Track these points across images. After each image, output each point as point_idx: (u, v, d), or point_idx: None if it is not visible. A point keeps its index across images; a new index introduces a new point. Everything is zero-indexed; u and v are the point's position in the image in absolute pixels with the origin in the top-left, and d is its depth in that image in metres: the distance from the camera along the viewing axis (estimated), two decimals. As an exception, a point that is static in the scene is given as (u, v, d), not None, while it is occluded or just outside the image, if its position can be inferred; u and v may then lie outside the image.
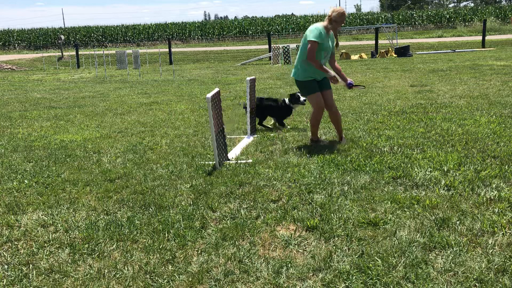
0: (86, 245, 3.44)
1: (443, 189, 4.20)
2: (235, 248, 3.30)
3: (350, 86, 5.89)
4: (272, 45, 24.53)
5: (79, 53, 29.98)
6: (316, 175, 4.74)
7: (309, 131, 6.17)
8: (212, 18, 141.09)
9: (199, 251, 3.29)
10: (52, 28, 52.86)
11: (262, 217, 3.81)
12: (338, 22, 5.60)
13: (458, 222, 3.50)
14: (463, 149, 5.39)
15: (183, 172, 5.09)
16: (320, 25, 5.61)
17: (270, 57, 24.00)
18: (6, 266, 3.22)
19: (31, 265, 3.20)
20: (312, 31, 5.56)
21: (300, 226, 3.61)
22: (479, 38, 28.09)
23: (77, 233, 3.67)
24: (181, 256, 3.23)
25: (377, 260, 3.02)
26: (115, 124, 8.22)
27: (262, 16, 55.42)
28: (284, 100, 7.23)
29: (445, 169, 4.70)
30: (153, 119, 8.55)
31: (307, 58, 5.58)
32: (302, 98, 6.98)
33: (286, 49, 22.63)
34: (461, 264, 2.94)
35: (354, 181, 4.50)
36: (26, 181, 5.05)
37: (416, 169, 4.73)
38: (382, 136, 6.20)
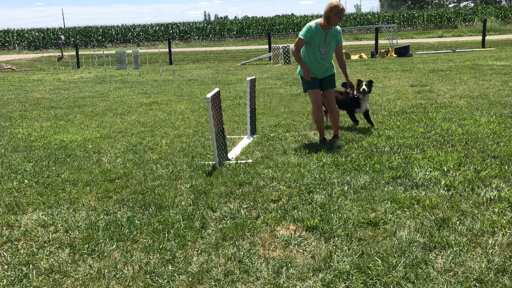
0: (86, 245, 3.45)
1: (443, 189, 4.20)
2: (235, 248, 3.30)
3: (344, 85, 6.17)
4: (272, 45, 24.51)
5: (79, 53, 29.98)
6: (316, 175, 4.74)
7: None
8: (212, 18, 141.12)
9: (199, 251, 3.29)
10: (52, 28, 52.77)
11: (262, 217, 3.81)
12: (328, 17, 5.53)
13: (458, 222, 3.50)
14: (463, 149, 5.39)
15: (183, 172, 5.09)
16: (313, 22, 5.66)
17: (270, 57, 23.99)
18: (6, 266, 3.22)
19: (31, 265, 3.21)
20: (303, 28, 5.72)
21: (300, 226, 3.61)
22: (479, 38, 28.06)
23: (77, 233, 3.68)
24: (181, 256, 3.23)
25: (377, 260, 3.02)
26: (115, 124, 8.22)
27: (262, 16, 55.41)
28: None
29: (445, 169, 4.70)
30: (153, 119, 8.55)
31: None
32: None
33: (286, 49, 22.62)
34: (461, 264, 2.94)
35: (354, 181, 4.50)
36: (26, 181, 5.05)
37: (416, 169, 4.73)
38: (382, 136, 6.20)
